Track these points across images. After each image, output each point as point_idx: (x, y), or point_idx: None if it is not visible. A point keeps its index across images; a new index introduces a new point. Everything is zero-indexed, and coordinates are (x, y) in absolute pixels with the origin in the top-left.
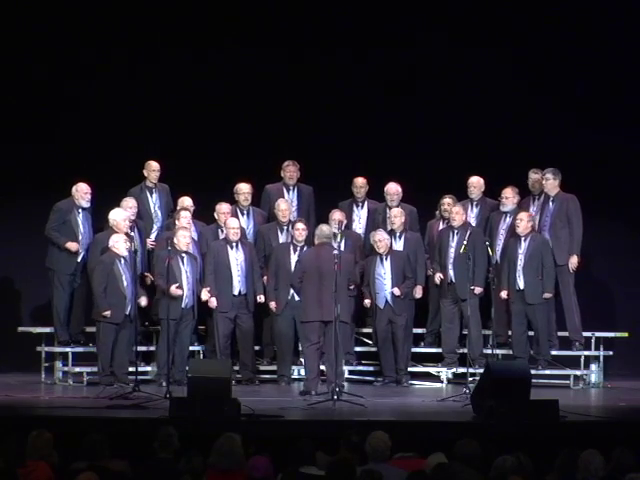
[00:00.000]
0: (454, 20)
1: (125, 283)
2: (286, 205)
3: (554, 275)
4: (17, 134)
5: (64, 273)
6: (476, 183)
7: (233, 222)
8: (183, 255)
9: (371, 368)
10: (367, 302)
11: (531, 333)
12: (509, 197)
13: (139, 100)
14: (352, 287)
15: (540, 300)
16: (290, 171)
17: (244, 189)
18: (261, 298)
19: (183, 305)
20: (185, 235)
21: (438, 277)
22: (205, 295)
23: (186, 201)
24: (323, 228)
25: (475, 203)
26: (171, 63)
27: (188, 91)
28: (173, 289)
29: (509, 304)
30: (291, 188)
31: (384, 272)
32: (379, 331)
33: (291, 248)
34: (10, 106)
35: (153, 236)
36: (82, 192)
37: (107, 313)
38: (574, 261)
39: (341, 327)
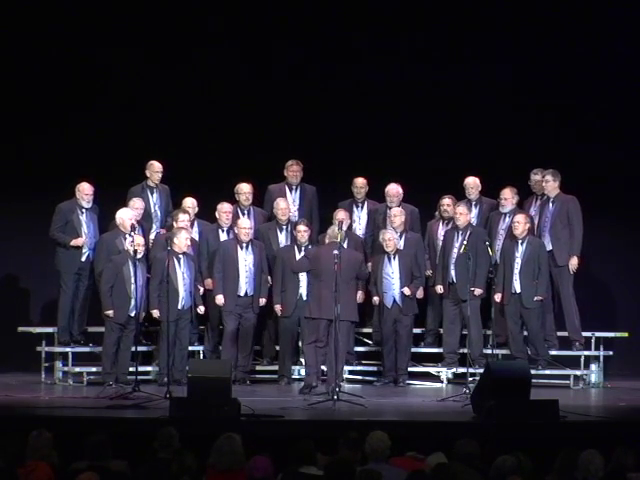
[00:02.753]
0: (453, 22)
1: (133, 285)
2: (285, 204)
3: (548, 278)
4: (25, 133)
5: (68, 273)
6: (473, 183)
7: (244, 222)
8: (180, 256)
9: (371, 368)
10: (376, 300)
11: (525, 334)
12: (508, 198)
13: (141, 100)
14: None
15: (535, 304)
16: (293, 170)
17: (245, 189)
18: (262, 301)
19: (180, 306)
20: (186, 237)
21: (439, 289)
22: (219, 301)
23: (188, 202)
24: (335, 229)
25: (474, 203)
26: (173, 63)
27: (190, 90)
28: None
29: (504, 305)
30: (294, 188)
31: (392, 271)
32: (384, 330)
33: (295, 249)
34: (15, 106)
35: (152, 236)
36: (83, 192)
37: (109, 312)
38: (574, 262)
39: (344, 326)
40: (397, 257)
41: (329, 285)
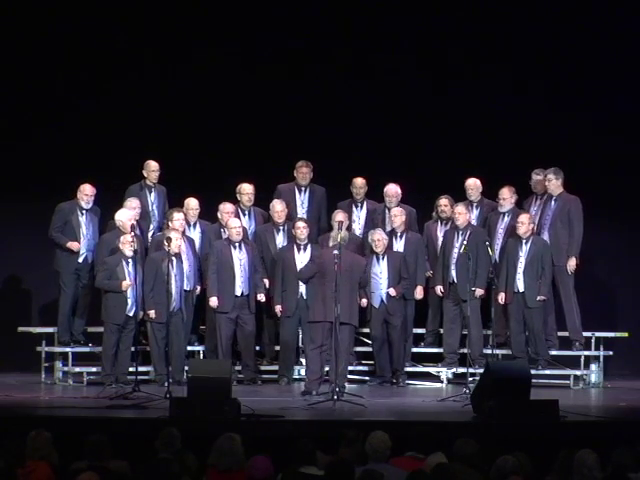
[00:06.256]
0: (452, 22)
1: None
2: (281, 207)
3: (551, 279)
4: (25, 134)
5: (67, 273)
6: (473, 185)
7: (235, 222)
8: (172, 258)
9: (371, 368)
10: (364, 301)
11: (527, 333)
12: (506, 198)
13: (142, 100)
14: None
15: (538, 304)
16: (303, 172)
17: (247, 189)
18: (261, 297)
19: (171, 308)
20: (177, 237)
21: (439, 290)
22: (213, 303)
23: (192, 203)
24: (341, 232)
25: (475, 205)
26: (174, 62)
27: (191, 90)
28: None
29: (506, 305)
30: (303, 189)
31: (380, 272)
32: (374, 331)
33: (295, 248)
34: (15, 106)
35: (149, 235)
36: (83, 193)
37: (126, 284)
38: (572, 263)
39: (345, 328)
40: (386, 257)
41: (332, 287)
